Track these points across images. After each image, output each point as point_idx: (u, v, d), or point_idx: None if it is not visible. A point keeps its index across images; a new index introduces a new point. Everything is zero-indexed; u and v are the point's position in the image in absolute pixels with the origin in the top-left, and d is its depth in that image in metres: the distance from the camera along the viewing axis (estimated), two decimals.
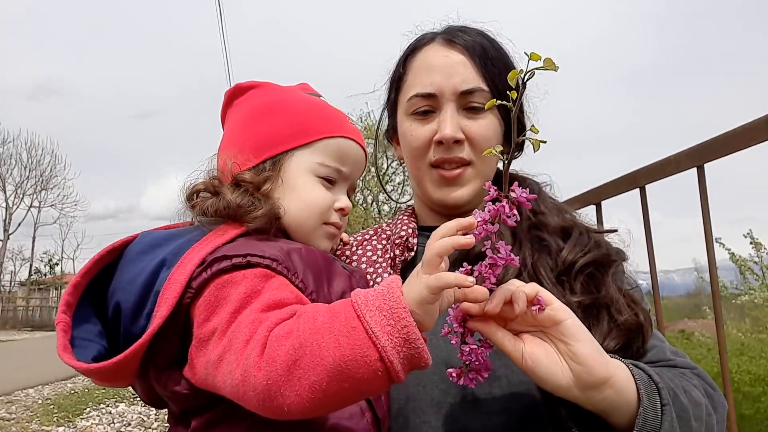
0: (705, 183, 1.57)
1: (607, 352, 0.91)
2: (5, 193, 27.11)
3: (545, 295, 0.80)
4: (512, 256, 0.80)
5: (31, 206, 31.02)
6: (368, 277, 1.12)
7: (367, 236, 1.26)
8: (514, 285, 0.81)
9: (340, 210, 1.09)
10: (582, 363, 0.78)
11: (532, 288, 0.80)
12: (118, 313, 0.93)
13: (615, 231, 1.20)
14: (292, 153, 1.06)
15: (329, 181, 1.08)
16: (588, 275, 1.03)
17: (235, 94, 1.16)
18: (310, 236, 1.06)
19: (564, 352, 0.79)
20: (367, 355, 0.70)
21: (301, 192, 1.05)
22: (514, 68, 1.11)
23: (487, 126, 1.12)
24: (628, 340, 0.97)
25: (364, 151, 1.17)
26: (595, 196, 2.10)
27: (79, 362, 0.87)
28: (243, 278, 0.86)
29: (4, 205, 27.13)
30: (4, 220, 29.39)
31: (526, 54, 0.75)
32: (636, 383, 0.81)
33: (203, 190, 1.02)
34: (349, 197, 1.16)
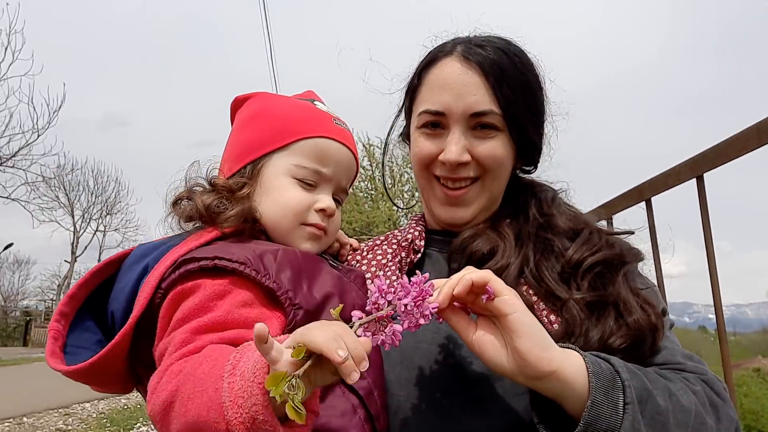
0: (705, 193, 1.56)
1: (611, 349, 0.94)
2: (73, 217, 28.79)
3: (496, 285, 0.83)
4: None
5: (96, 230, 32.67)
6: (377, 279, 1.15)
7: (378, 242, 1.29)
8: (465, 271, 0.86)
9: (322, 211, 1.08)
10: (521, 358, 0.81)
11: (481, 276, 0.83)
12: (114, 321, 0.98)
13: (632, 233, 1.21)
14: (270, 156, 1.09)
15: (308, 183, 1.08)
16: (597, 274, 1.04)
17: (236, 106, 1.22)
18: (289, 237, 1.08)
19: (508, 344, 0.83)
20: (217, 422, 0.70)
21: (276, 194, 1.07)
22: (533, 87, 1.15)
23: (496, 146, 1.11)
24: (637, 341, 0.97)
25: (352, 151, 1.16)
26: (606, 211, 2.10)
27: (62, 366, 0.93)
28: (202, 289, 0.89)
29: (72, 229, 28.73)
30: (72, 244, 31.07)
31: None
32: (590, 378, 0.81)
33: (185, 198, 1.07)
34: (340, 199, 1.16)
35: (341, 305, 0.80)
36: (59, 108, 20.69)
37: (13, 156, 20.18)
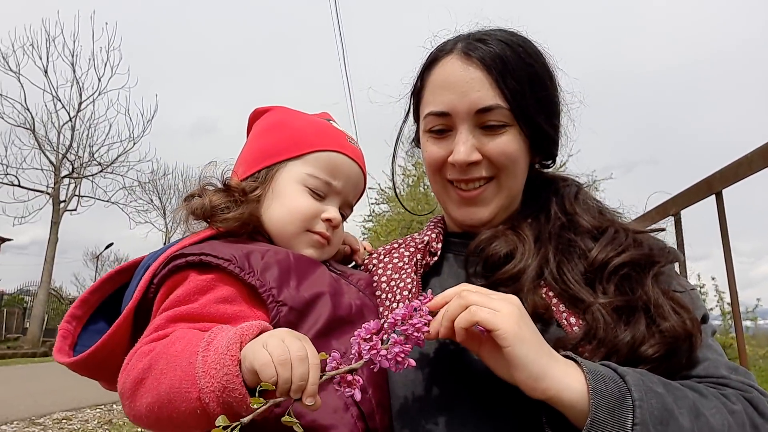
0: None
1: (643, 358, 0.88)
2: (165, 219, 30.67)
3: (488, 324, 0.80)
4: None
5: (186, 231, 34.78)
6: (392, 282, 1.13)
7: (395, 245, 1.27)
8: (452, 308, 0.83)
9: (327, 221, 1.11)
10: (518, 384, 0.81)
11: (469, 321, 0.81)
12: None
13: (662, 230, 1.13)
14: (285, 164, 1.13)
15: (318, 193, 1.12)
16: (624, 276, 0.97)
17: (255, 117, 1.28)
18: (292, 242, 1.10)
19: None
20: (189, 392, 0.74)
21: (285, 199, 1.10)
22: (541, 76, 1.08)
23: (506, 142, 1.05)
24: (672, 349, 0.89)
25: (362, 169, 1.20)
26: (672, 207, 1.93)
27: (66, 359, 0.99)
28: (187, 282, 0.93)
29: (164, 229, 30.66)
30: (165, 243, 33.13)
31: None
32: (590, 396, 0.76)
33: (197, 195, 1.11)
34: (345, 214, 1.19)
35: (323, 354, 0.80)
36: (152, 117, 22.35)
37: (113, 163, 21.99)
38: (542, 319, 0.94)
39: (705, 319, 0.98)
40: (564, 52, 1.15)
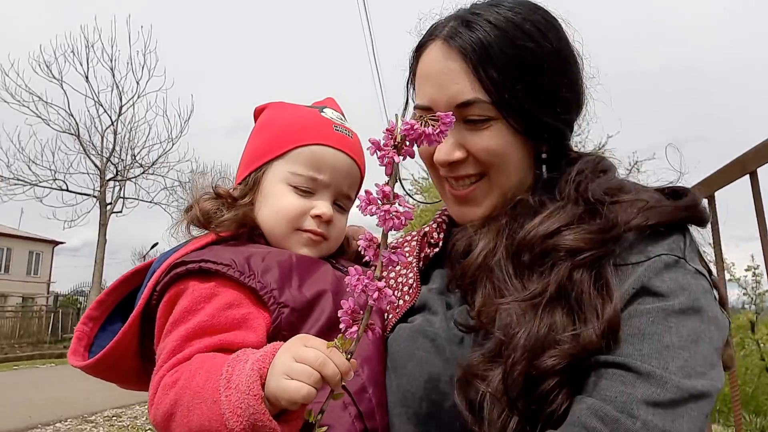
0: None
1: (544, 371, 0.77)
2: None
3: None
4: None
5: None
6: (400, 278, 1.10)
7: (407, 239, 1.23)
8: None
9: (317, 217, 1.08)
10: None
11: None
12: None
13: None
14: (270, 164, 1.12)
15: (305, 189, 1.09)
16: (552, 260, 0.89)
17: (255, 117, 1.26)
18: (285, 242, 1.09)
19: None
20: (220, 430, 0.76)
21: (272, 200, 1.09)
22: (539, 60, 0.96)
23: (489, 138, 0.97)
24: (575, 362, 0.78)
25: (352, 157, 1.13)
26: (707, 188, 1.78)
27: (80, 362, 1.01)
28: (190, 292, 0.94)
29: None
30: None
31: None
32: None
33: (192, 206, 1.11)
34: (344, 205, 1.15)
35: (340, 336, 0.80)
36: (189, 118, 22.77)
37: (153, 164, 22.56)
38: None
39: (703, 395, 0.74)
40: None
